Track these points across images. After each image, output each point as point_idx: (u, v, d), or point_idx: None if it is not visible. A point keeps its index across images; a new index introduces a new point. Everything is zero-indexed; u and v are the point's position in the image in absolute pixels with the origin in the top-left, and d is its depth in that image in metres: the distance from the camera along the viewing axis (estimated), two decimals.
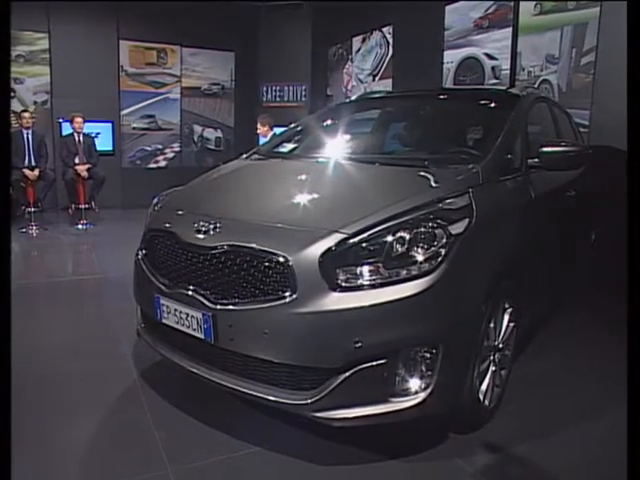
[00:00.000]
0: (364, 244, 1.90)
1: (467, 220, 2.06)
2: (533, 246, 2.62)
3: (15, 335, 3.26)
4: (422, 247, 1.92)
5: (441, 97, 3.40)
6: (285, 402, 1.93)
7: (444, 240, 1.94)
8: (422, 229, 1.95)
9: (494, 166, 2.43)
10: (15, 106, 7.63)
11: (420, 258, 1.91)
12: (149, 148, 8.73)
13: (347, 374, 1.85)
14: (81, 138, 7.03)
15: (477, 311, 2.09)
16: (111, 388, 2.60)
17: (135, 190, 8.51)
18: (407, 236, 1.93)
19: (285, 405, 1.94)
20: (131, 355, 3.00)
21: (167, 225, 2.32)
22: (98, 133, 7.89)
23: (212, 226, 2.10)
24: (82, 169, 6.82)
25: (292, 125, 3.54)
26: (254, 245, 1.94)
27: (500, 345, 2.37)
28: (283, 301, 1.86)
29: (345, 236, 1.90)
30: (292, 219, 2.08)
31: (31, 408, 2.42)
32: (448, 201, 2.09)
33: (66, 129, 7.70)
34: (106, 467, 2.02)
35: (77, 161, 6.92)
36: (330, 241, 1.89)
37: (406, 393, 1.92)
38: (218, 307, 1.98)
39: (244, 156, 3.22)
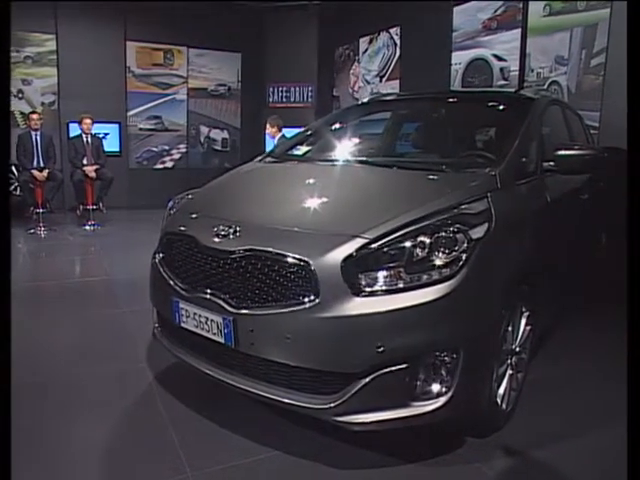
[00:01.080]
0: (385, 249, 1.91)
1: (486, 224, 2.06)
2: (548, 249, 2.62)
3: (28, 336, 3.27)
4: (443, 252, 1.92)
5: (455, 100, 3.39)
6: (306, 406, 1.93)
7: (465, 245, 1.94)
8: (443, 234, 1.95)
9: (511, 170, 2.42)
10: (23, 107, 7.66)
11: (441, 263, 1.91)
12: (156, 149, 8.75)
13: (369, 379, 1.85)
14: (89, 139, 7.04)
15: (497, 315, 2.09)
16: (127, 391, 2.61)
17: (142, 191, 8.54)
18: (428, 241, 1.93)
19: (306, 409, 1.94)
20: (145, 357, 3.00)
21: (185, 229, 2.32)
22: (107, 134, 7.91)
23: (232, 230, 2.10)
24: (90, 170, 6.84)
25: (305, 128, 3.54)
26: (276, 249, 1.94)
27: (517, 349, 2.37)
28: (305, 306, 1.86)
29: (367, 241, 1.90)
30: (313, 223, 2.09)
31: (47, 411, 2.43)
32: (467, 205, 2.10)
33: (73, 130, 7.72)
34: (126, 472, 2.02)
35: (85, 162, 6.94)
36: (352, 246, 1.89)
37: (427, 397, 1.92)
38: (239, 312, 1.98)
39: (258, 159, 3.23)
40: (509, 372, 2.32)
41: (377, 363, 1.84)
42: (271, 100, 9.16)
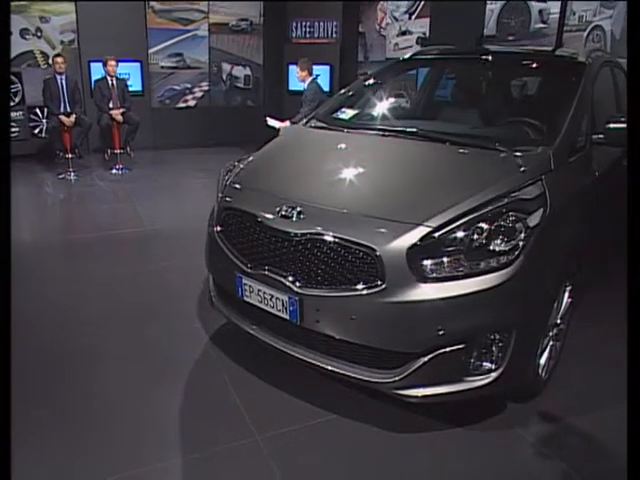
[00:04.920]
0: (448, 236, 1.99)
1: (542, 210, 2.11)
2: (594, 223, 2.67)
3: (76, 297, 3.33)
4: (502, 239, 2.00)
5: (503, 61, 3.30)
6: (369, 380, 2.08)
7: (523, 234, 2.01)
8: (502, 222, 2.01)
9: (563, 149, 2.43)
10: (43, 46, 7.48)
11: (500, 250, 1.99)
12: (178, 87, 8.60)
13: (428, 357, 2.00)
14: (114, 82, 6.95)
15: (547, 295, 2.20)
16: (186, 353, 2.75)
17: (166, 130, 8.49)
18: (488, 228, 2.00)
19: (368, 382, 2.10)
20: (197, 316, 3.13)
21: (246, 205, 2.38)
22: (128, 73, 7.76)
23: (295, 212, 2.17)
24: (117, 114, 6.80)
25: (347, 88, 3.50)
26: (342, 235, 2.03)
27: (559, 321, 2.49)
28: (372, 290, 1.97)
29: (430, 229, 1.98)
30: (375, 208, 2.13)
31: (110, 375, 2.58)
32: (524, 190, 2.14)
33: (95, 70, 7.60)
34: (198, 435, 2.19)
35: (111, 106, 6.88)
36: (417, 234, 1.97)
37: (480, 373, 2.08)
38: (305, 292, 2.10)
39: (303, 122, 3.22)
40: (550, 343, 2.45)
41: (437, 344, 1.98)
42: (294, 35, 8.86)
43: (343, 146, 2.74)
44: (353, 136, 2.84)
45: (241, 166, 2.80)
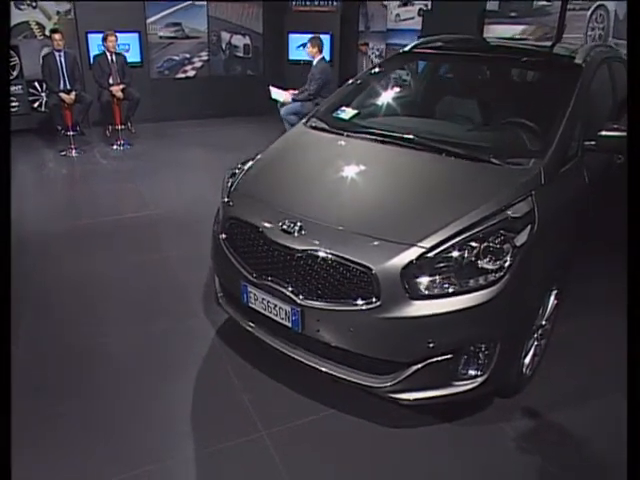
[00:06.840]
0: (440, 255, 2.12)
1: (529, 227, 2.23)
2: (583, 229, 2.78)
3: (79, 290, 3.45)
4: (490, 259, 2.13)
5: (501, 61, 3.34)
6: (365, 384, 2.26)
7: (510, 254, 2.14)
8: (491, 243, 2.14)
9: (555, 161, 2.51)
10: (38, 17, 7.35)
11: (488, 269, 2.13)
12: (177, 58, 8.50)
13: (418, 366, 2.17)
14: (114, 57, 6.89)
15: (533, 305, 2.36)
16: (193, 349, 2.88)
17: (166, 102, 8.45)
18: (477, 248, 2.13)
19: (364, 386, 2.28)
20: (203, 310, 3.26)
21: (249, 217, 2.49)
22: (128, 44, 7.66)
23: (296, 227, 2.29)
24: (117, 90, 6.78)
25: (349, 82, 3.56)
26: (341, 254, 2.16)
27: (544, 322, 2.64)
28: (368, 306, 2.12)
29: (424, 250, 2.11)
30: (373, 226, 2.25)
31: (113, 371, 2.70)
32: (513, 208, 2.25)
33: (92, 41, 7.51)
34: (204, 431, 2.34)
35: (111, 82, 6.85)
36: (411, 254, 2.10)
37: (466, 378, 2.25)
38: (306, 304, 2.24)
39: (303, 121, 3.29)
40: (535, 343, 2.61)
41: (427, 355, 2.14)
42: (294, 3, 8.69)
43: (342, 155, 2.83)
44: (352, 142, 2.90)
45: (245, 169, 2.90)
